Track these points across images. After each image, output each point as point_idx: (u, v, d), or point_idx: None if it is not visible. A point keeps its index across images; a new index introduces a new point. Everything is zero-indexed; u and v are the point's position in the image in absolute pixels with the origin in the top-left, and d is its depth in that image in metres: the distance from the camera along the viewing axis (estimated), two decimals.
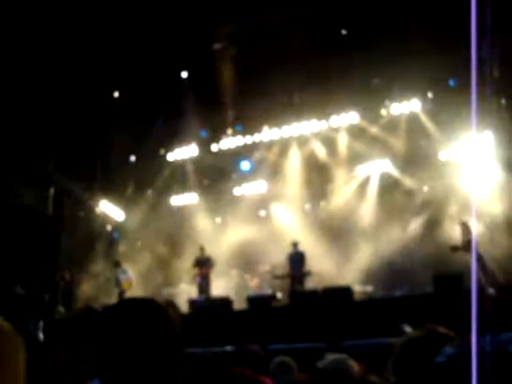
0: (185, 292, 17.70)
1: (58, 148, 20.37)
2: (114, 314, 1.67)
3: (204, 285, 16.48)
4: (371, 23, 17.23)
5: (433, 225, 17.50)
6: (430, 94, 18.41)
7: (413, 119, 18.54)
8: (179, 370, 1.62)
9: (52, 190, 21.81)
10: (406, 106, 18.62)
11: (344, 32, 18.52)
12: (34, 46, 17.24)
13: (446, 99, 17.40)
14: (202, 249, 17.14)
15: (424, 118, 18.43)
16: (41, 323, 14.26)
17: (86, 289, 20.43)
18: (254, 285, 18.95)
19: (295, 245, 16.52)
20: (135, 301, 1.76)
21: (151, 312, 1.65)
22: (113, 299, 17.82)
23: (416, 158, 18.63)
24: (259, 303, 14.07)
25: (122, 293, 17.30)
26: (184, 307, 14.71)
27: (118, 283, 17.52)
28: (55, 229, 21.47)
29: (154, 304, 1.70)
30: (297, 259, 16.22)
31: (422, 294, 13.48)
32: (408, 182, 18.81)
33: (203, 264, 16.68)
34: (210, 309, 14.00)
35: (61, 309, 16.45)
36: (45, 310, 14.91)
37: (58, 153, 20.58)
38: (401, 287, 16.16)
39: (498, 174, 16.19)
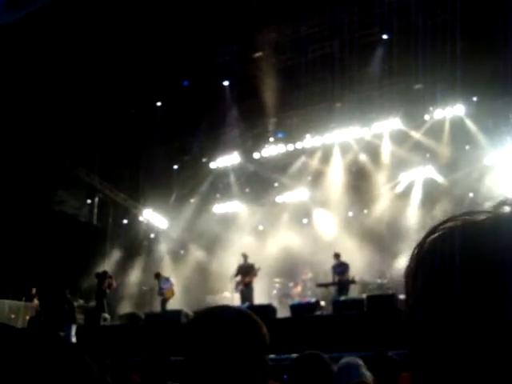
0: (228, 300, 17.69)
1: (102, 157, 20.71)
2: (211, 322, 1.60)
3: (247, 293, 16.40)
4: (412, 27, 17.05)
5: None
6: (474, 98, 18.10)
7: (457, 124, 18.24)
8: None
9: (96, 199, 22.20)
10: (450, 111, 18.35)
11: (385, 37, 18.35)
12: (81, 58, 17.58)
13: (492, 103, 17.07)
14: (244, 256, 17.07)
15: (469, 123, 18.12)
16: (74, 327, 14.50)
17: (130, 296, 20.66)
18: (297, 293, 18.86)
19: (337, 256, 16.26)
20: (234, 310, 1.71)
21: (250, 325, 1.61)
22: (155, 307, 17.98)
23: (460, 163, 18.29)
24: (302, 311, 13.99)
25: (164, 301, 17.42)
26: None
27: (160, 292, 17.65)
28: (100, 237, 21.83)
29: (251, 318, 1.64)
30: (341, 271, 15.99)
31: None
32: (452, 187, 18.47)
33: (246, 272, 16.62)
34: None
35: (106, 316, 16.65)
36: (73, 315, 15.14)
37: (102, 161, 20.91)
38: None
39: None
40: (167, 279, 17.94)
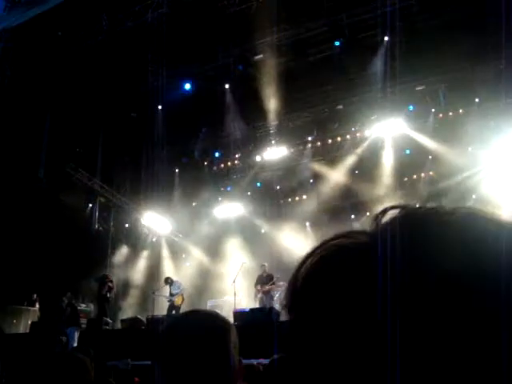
0: (229, 303, 17.65)
1: (103, 160, 20.65)
2: (183, 325, 1.66)
3: (266, 301, 16.54)
4: (415, 29, 17.01)
5: None
6: (476, 100, 18.02)
7: (459, 126, 18.14)
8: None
9: (98, 203, 22.13)
10: (452, 113, 18.28)
11: (386, 38, 18.27)
12: (80, 61, 17.59)
13: (494, 104, 17.01)
14: (263, 267, 17.18)
15: (471, 124, 17.99)
16: (77, 331, 14.45)
17: (132, 301, 20.57)
18: None
19: None
20: (203, 314, 1.74)
21: (217, 327, 1.65)
22: (158, 311, 17.80)
23: (463, 165, 18.15)
24: None
25: (173, 307, 17.04)
26: (229, 319, 14.57)
27: (170, 298, 17.26)
28: (102, 241, 21.76)
29: (220, 319, 1.70)
30: None
31: None
32: (454, 189, 18.32)
33: (264, 282, 16.76)
34: (254, 320, 13.88)
35: (108, 320, 16.56)
36: (77, 319, 15.10)
37: (103, 165, 20.86)
38: None
39: None
40: (178, 285, 17.51)
